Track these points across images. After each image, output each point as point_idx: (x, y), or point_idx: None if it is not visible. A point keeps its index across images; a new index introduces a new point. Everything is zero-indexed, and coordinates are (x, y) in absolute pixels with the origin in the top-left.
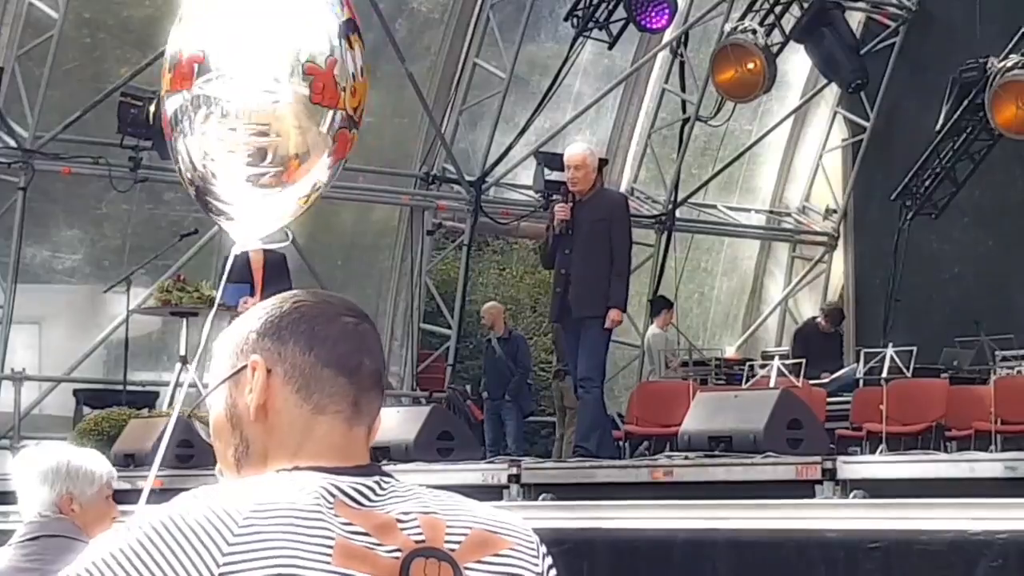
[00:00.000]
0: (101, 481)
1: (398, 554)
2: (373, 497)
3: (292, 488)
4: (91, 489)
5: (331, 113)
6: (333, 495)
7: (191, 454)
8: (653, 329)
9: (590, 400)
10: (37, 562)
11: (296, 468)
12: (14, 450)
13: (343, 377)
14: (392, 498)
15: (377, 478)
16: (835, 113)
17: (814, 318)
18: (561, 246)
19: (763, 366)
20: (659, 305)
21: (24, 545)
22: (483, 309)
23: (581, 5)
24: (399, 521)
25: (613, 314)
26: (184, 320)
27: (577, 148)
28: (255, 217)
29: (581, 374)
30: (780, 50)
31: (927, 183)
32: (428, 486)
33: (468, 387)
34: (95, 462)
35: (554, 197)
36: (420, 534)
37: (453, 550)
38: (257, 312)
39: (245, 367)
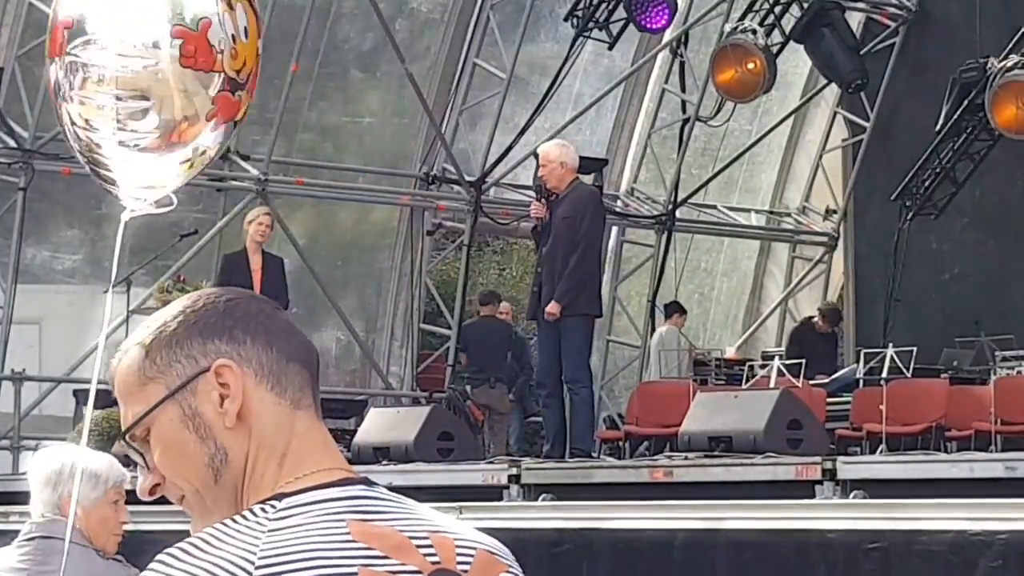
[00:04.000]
0: (106, 485)
1: None
2: (373, 507)
3: (307, 525)
4: (94, 493)
5: (216, 76)
6: (343, 519)
7: None
8: (667, 325)
9: (579, 401)
10: (28, 562)
11: (298, 491)
12: (14, 451)
13: (306, 370)
14: (388, 509)
15: (363, 487)
16: (835, 113)
17: (810, 318)
18: (540, 243)
19: (763, 366)
20: (671, 310)
21: (21, 545)
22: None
23: (581, 5)
24: (412, 539)
25: (549, 306)
26: None
27: (548, 144)
28: (139, 182)
29: (567, 376)
30: (780, 50)
31: (927, 183)
32: (428, 487)
33: (468, 387)
34: (101, 466)
35: (538, 196)
36: (435, 554)
37: (465, 571)
38: (174, 316)
39: (201, 373)
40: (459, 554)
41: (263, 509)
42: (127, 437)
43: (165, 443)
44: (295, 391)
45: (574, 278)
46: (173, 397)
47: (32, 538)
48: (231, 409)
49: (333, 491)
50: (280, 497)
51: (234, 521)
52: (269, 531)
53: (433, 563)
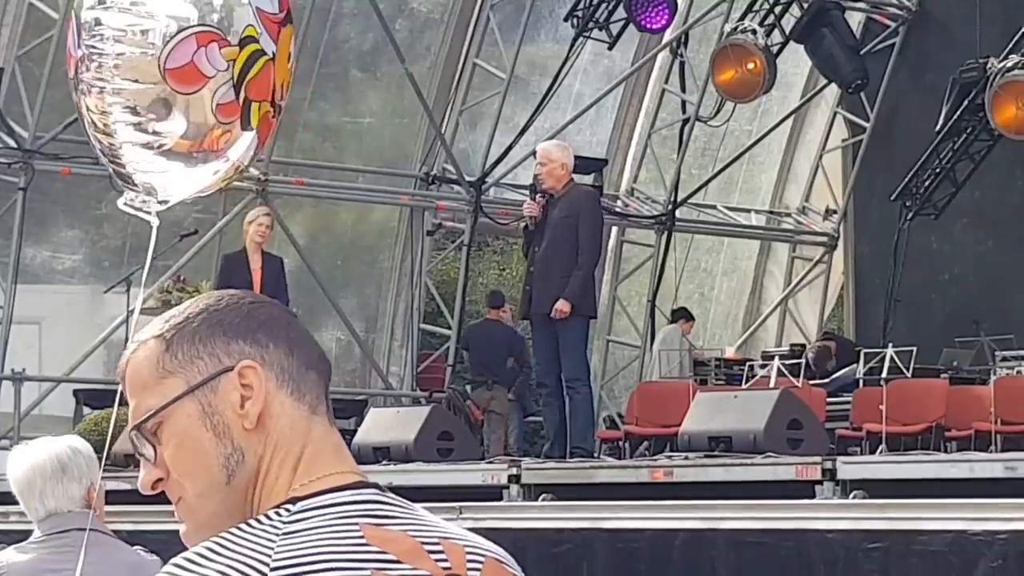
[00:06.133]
0: (97, 463)
1: None
2: (385, 512)
3: (321, 528)
4: (98, 473)
5: None
6: (356, 522)
7: None
8: (673, 326)
9: (579, 400)
10: (69, 554)
11: (311, 494)
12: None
13: (322, 380)
14: (399, 514)
15: (375, 491)
16: (835, 113)
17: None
18: (533, 243)
19: (763, 366)
20: (679, 315)
21: (49, 538)
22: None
23: (581, 5)
24: (424, 545)
25: (559, 303)
26: None
27: (549, 144)
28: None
29: (566, 376)
30: (780, 50)
31: (927, 183)
32: (428, 487)
33: (468, 387)
34: (87, 445)
35: (536, 195)
36: (446, 560)
37: None
38: (197, 312)
39: (224, 372)
40: (469, 560)
41: (277, 513)
42: (138, 429)
43: (179, 438)
44: (313, 398)
45: (583, 277)
46: (192, 393)
47: (67, 531)
48: (252, 411)
49: (346, 494)
50: (293, 501)
51: (248, 526)
52: (283, 534)
53: (444, 569)
